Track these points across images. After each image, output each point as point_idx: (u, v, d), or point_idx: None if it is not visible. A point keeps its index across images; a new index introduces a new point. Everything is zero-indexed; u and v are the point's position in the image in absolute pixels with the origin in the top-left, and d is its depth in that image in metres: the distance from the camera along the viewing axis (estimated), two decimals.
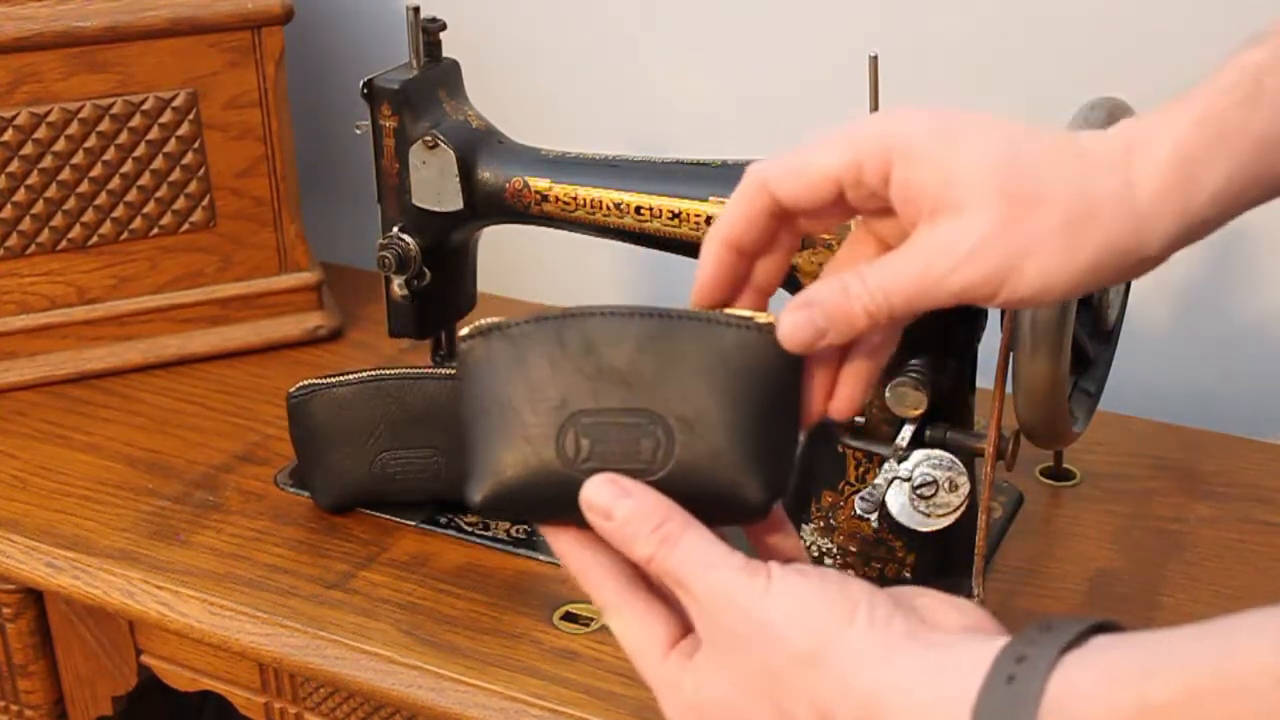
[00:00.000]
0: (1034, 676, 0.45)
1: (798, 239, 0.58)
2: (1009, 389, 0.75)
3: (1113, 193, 0.52)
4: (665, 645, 0.54)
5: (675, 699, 0.54)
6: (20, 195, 1.07)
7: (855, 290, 0.54)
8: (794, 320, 0.54)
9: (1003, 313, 0.75)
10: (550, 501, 0.55)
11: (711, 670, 0.53)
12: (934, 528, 0.78)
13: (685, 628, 0.55)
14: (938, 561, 0.83)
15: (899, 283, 0.53)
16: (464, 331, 0.56)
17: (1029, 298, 0.53)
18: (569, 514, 0.54)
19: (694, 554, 0.52)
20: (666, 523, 0.53)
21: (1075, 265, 0.52)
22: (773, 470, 0.54)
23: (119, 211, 1.10)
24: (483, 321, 0.56)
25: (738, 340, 0.54)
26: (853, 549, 0.84)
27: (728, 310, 0.56)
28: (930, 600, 0.53)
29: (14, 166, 1.06)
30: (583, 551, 0.56)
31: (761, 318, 0.55)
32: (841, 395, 0.57)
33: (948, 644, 0.49)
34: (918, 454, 0.78)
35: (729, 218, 0.56)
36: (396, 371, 0.89)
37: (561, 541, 0.56)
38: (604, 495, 0.53)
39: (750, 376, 0.54)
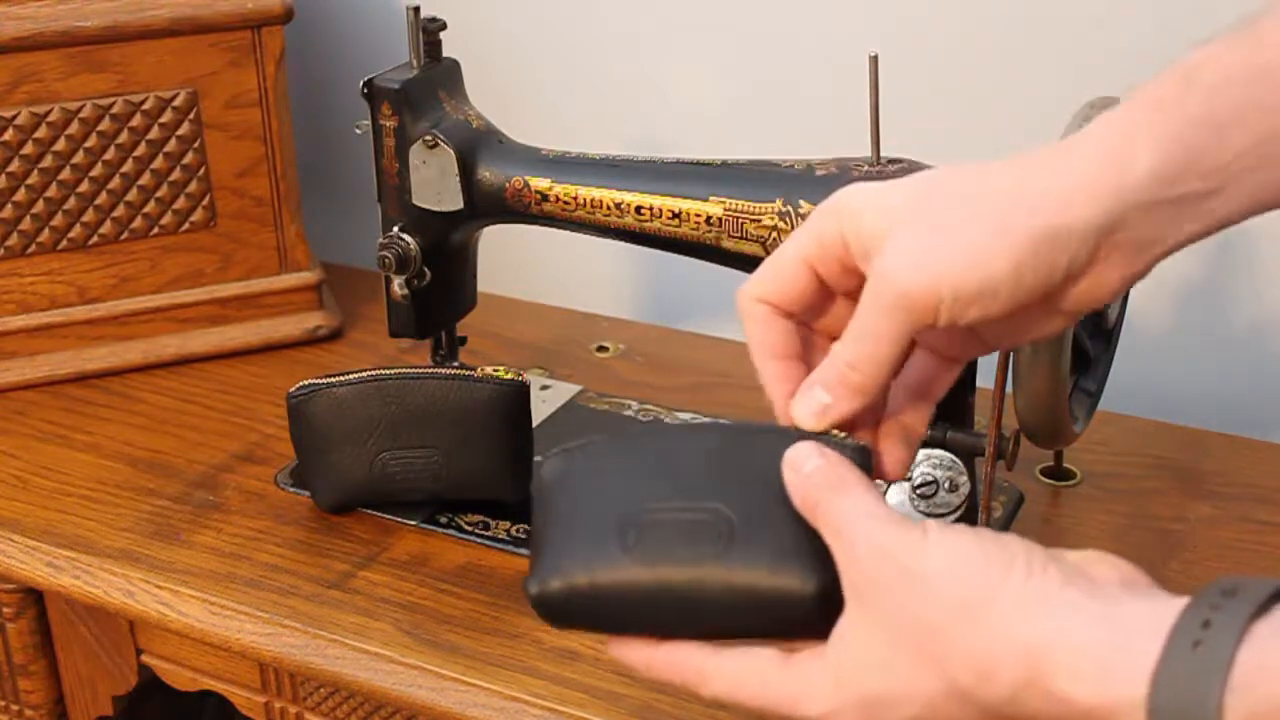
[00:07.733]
0: (1222, 645, 0.43)
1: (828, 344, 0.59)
2: (1009, 389, 0.75)
3: (1034, 181, 0.53)
4: (779, 659, 0.54)
5: (818, 687, 0.53)
6: (20, 195, 1.07)
7: (837, 350, 0.56)
8: (800, 403, 0.57)
9: None
10: (616, 601, 0.56)
11: (860, 626, 0.52)
12: None
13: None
14: None
15: (860, 321, 0.55)
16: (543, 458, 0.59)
17: (973, 296, 0.52)
18: (637, 615, 0.56)
19: (859, 505, 0.53)
20: (843, 478, 0.54)
21: (1010, 251, 0.52)
22: (821, 565, 0.54)
23: (119, 211, 1.10)
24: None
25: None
26: None
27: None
28: (1080, 555, 0.52)
29: (14, 166, 1.06)
30: (653, 649, 0.56)
31: (840, 435, 0.57)
32: (887, 460, 0.59)
33: (1112, 596, 0.48)
34: (918, 454, 0.78)
35: (756, 339, 0.59)
36: (396, 371, 0.89)
37: (631, 651, 0.57)
38: (802, 451, 0.55)
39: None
